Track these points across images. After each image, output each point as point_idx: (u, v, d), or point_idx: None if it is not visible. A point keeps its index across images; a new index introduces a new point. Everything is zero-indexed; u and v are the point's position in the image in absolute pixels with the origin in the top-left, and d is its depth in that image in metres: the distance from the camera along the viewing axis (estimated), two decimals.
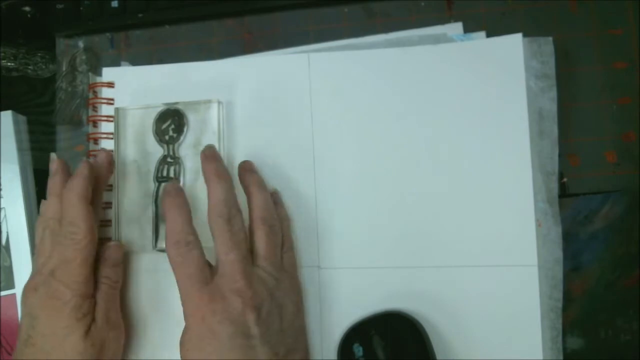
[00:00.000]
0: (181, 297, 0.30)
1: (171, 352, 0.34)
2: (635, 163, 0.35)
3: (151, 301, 0.37)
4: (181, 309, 0.30)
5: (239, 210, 0.31)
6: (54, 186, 0.34)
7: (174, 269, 0.30)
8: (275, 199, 0.35)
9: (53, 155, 0.36)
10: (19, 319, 0.33)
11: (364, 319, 0.34)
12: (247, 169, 0.35)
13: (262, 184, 0.34)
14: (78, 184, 0.32)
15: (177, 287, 0.30)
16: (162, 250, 0.36)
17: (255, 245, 0.32)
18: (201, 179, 0.33)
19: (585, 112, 0.36)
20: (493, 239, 0.34)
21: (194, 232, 0.31)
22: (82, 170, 0.33)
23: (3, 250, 0.40)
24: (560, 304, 0.34)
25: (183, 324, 0.30)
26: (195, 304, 0.29)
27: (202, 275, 0.30)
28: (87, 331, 0.32)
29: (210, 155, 0.33)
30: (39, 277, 0.32)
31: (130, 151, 0.38)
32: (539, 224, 0.34)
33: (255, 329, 0.29)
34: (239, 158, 0.36)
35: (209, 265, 0.31)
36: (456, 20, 0.38)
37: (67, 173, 0.35)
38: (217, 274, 0.30)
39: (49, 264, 0.32)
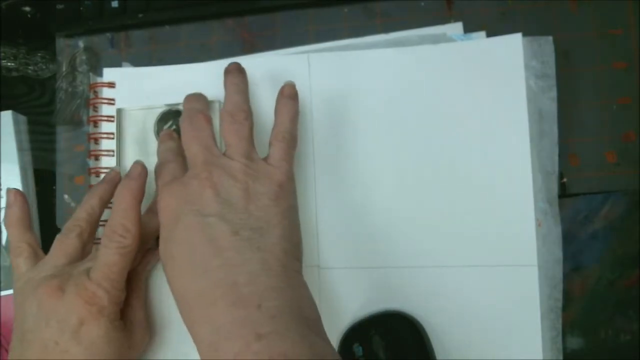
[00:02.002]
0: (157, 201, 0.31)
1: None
2: (635, 163, 0.35)
3: (159, 307, 0.36)
4: None
5: (200, 111, 0.33)
6: (12, 215, 0.34)
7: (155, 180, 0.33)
8: (286, 91, 0.34)
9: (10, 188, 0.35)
10: (21, 315, 0.30)
11: (364, 319, 0.34)
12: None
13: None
14: (134, 184, 0.31)
15: None
16: None
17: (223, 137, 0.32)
18: None
19: (585, 112, 0.36)
20: (493, 239, 0.34)
21: (176, 153, 0.33)
22: (137, 171, 0.32)
23: (3, 250, 0.40)
24: (560, 304, 0.34)
25: None
26: (163, 198, 0.30)
27: (173, 175, 0.31)
28: (127, 336, 0.31)
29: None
30: (65, 277, 0.30)
31: (131, 152, 0.38)
32: (539, 224, 0.34)
33: (212, 206, 0.28)
34: None
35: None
36: (456, 20, 0.38)
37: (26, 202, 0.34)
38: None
39: (79, 266, 0.31)
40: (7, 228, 0.34)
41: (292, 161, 0.32)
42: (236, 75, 0.34)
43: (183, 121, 0.33)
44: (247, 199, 0.29)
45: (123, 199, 0.31)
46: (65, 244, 0.32)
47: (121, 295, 0.31)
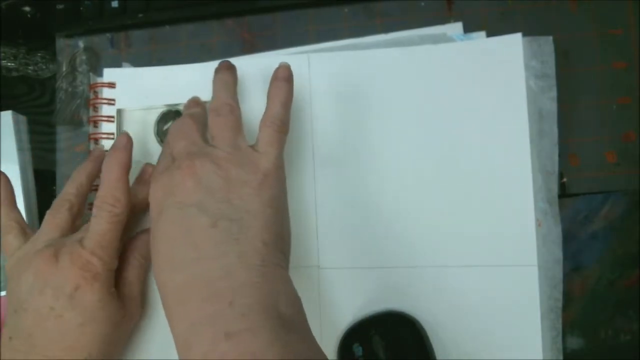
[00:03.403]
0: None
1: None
2: (635, 163, 0.35)
3: (155, 304, 0.37)
4: None
5: (188, 115, 0.33)
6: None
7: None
8: (280, 73, 0.33)
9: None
10: (16, 287, 0.31)
11: (364, 319, 0.34)
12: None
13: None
14: (121, 155, 0.32)
15: None
16: None
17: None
18: None
19: (585, 112, 0.36)
20: (493, 239, 0.34)
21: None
22: (122, 141, 0.32)
23: (3, 250, 0.40)
24: (560, 304, 0.34)
25: None
26: (151, 189, 0.30)
27: (164, 165, 0.31)
28: (121, 306, 0.31)
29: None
30: (58, 247, 0.30)
31: None
32: (539, 224, 0.34)
33: (193, 196, 0.28)
34: None
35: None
36: (456, 20, 0.38)
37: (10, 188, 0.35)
38: None
39: (72, 237, 0.31)
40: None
41: (281, 147, 0.31)
42: (224, 72, 0.34)
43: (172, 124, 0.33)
44: (228, 188, 0.28)
45: (111, 170, 0.31)
46: (56, 218, 0.33)
47: (114, 262, 0.31)
